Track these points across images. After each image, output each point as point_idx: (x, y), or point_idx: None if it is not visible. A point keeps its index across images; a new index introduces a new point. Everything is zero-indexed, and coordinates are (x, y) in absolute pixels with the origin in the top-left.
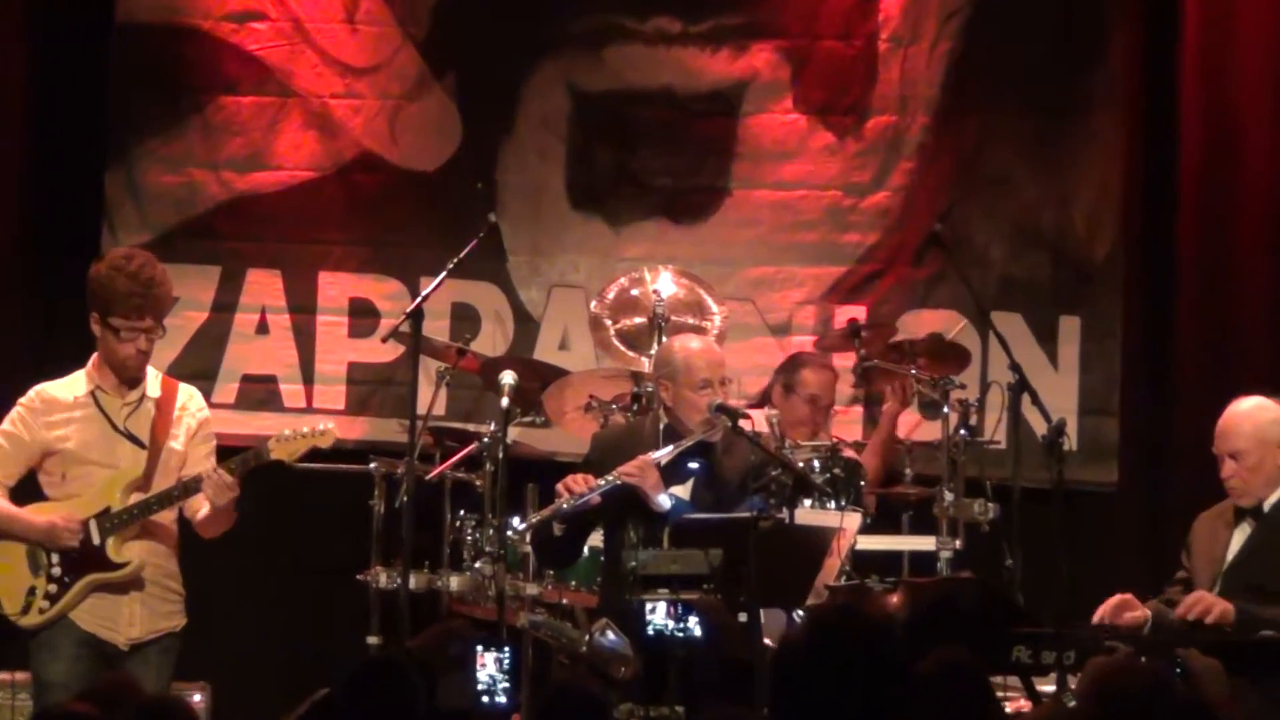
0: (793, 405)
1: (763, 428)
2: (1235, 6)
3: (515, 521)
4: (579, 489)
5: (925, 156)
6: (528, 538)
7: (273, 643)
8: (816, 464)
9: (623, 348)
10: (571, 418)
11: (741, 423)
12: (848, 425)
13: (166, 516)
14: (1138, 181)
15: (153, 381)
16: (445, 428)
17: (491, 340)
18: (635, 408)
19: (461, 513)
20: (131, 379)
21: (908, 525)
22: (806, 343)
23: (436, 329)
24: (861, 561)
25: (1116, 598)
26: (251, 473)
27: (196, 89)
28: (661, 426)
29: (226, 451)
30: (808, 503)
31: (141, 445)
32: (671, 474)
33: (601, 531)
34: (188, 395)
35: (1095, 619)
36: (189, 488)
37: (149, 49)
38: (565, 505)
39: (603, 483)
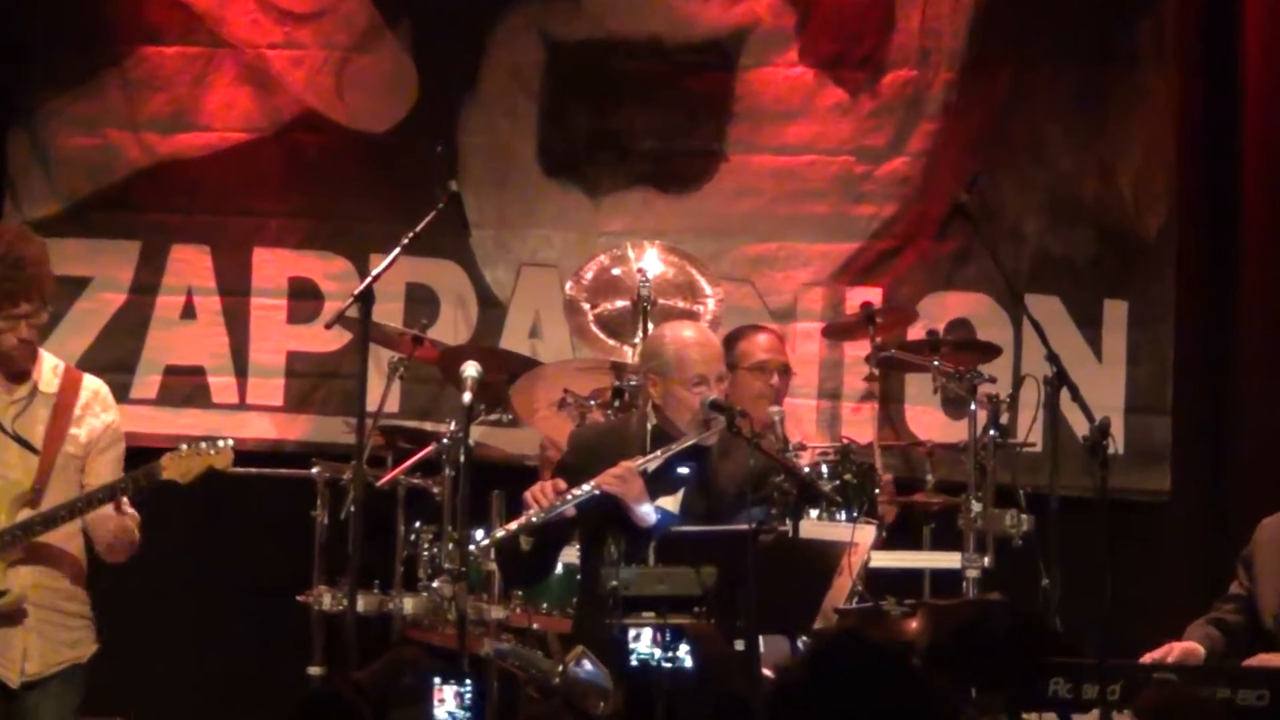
0: (742, 381)
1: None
2: None
3: (478, 535)
4: (550, 499)
5: (950, 116)
6: (491, 554)
7: (201, 672)
8: (825, 469)
9: (603, 335)
10: (543, 415)
11: (740, 423)
12: (860, 425)
13: (65, 531)
14: (1193, 145)
15: (49, 375)
16: (398, 427)
17: (452, 327)
18: (617, 404)
19: (417, 525)
20: (17, 372)
21: (929, 539)
22: (813, 329)
23: (389, 313)
24: (876, 581)
25: (1178, 648)
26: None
27: (113, 39)
28: (649, 427)
29: (146, 456)
30: (814, 513)
31: (33, 450)
32: (659, 481)
33: (577, 546)
34: (92, 392)
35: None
36: (91, 502)
37: None
38: (534, 518)
39: (578, 492)
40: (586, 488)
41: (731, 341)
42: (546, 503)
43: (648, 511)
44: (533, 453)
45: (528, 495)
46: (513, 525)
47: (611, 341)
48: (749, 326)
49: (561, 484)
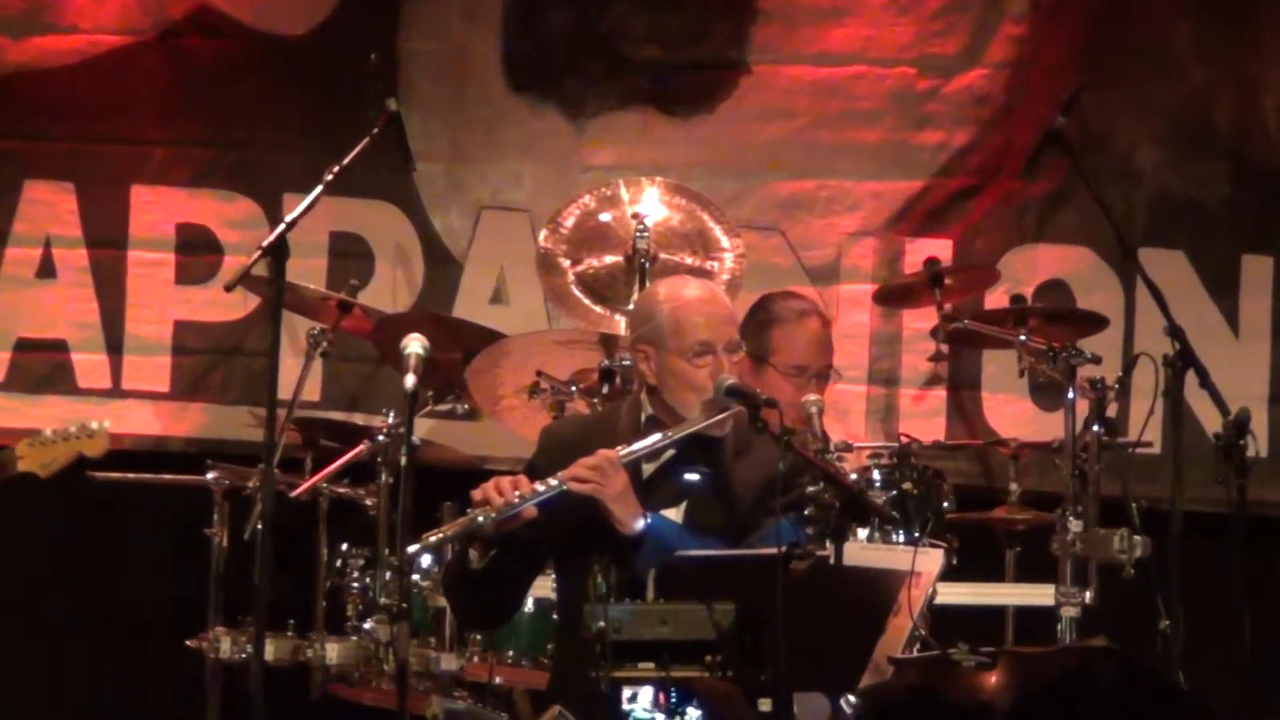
0: (771, 381)
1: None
2: None
3: (411, 550)
4: (506, 497)
5: (1041, 16)
6: (417, 566)
7: None
8: (877, 475)
9: (587, 300)
10: (510, 405)
11: (766, 414)
12: (924, 418)
13: None
14: None
15: None
16: (320, 420)
17: (390, 289)
18: (606, 390)
19: (345, 547)
20: None
21: (1013, 567)
22: (862, 293)
23: (309, 272)
24: (944, 622)
25: None
26: (27, 489)
27: None
28: (643, 417)
29: None
30: (863, 533)
31: None
32: (658, 488)
33: (553, 574)
34: None
35: None
36: None
37: None
38: (483, 519)
39: (541, 488)
40: (553, 482)
41: (765, 324)
42: (499, 503)
43: (633, 518)
44: (497, 454)
45: (476, 493)
46: (450, 530)
47: (599, 308)
48: (795, 301)
49: (523, 480)
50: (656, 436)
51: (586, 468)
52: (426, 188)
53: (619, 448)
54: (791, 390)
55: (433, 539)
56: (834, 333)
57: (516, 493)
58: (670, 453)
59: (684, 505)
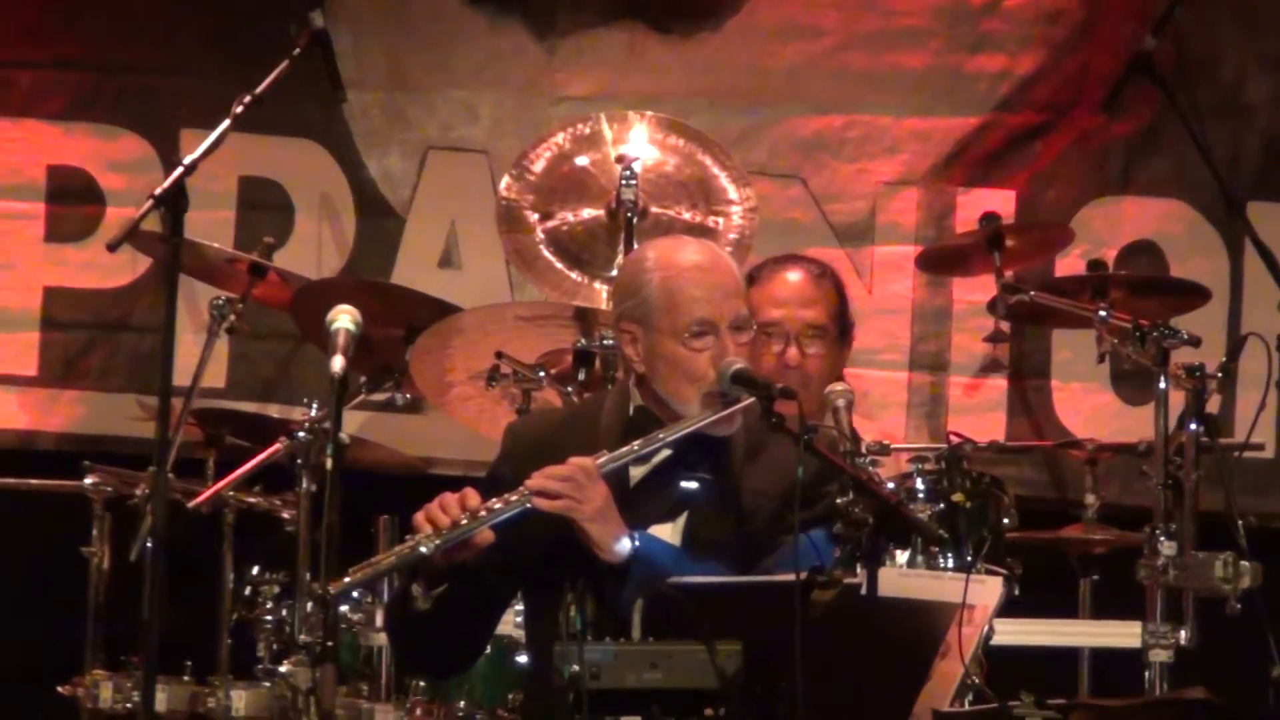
0: (757, 363)
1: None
2: None
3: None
4: (452, 517)
5: None
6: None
7: None
8: (921, 484)
9: (560, 265)
10: (463, 395)
11: (782, 407)
12: (980, 413)
13: None
14: None
15: None
16: (227, 412)
17: (314, 249)
18: (582, 377)
19: (255, 571)
20: None
21: (1089, 600)
22: (903, 255)
23: (213, 227)
24: (1004, 666)
25: None
26: None
27: None
28: (631, 410)
29: None
30: (903, 556)
31: None
32: (648, 499)
33: (521, 607)
34: None
35: None
36: None
37: None
38: (425, 547)
39: (497, 506)
40: (513, 497)
41: (748, 279)
42: (445, 524)
43: (616, 539)
44: (447, 455)
45: (419, 516)
46: (386, 560)
47: (574, 275)
48: (777, 260)
49: (474, 497)
50: (639, 442)
51: (556, 479)
52: (359, 123)
53: (599, 455)
54: (769, 362)
55: (360, 575)
56: (870, 306)
57: (466, 513)
58: (664, 455)
59: (681, 521)
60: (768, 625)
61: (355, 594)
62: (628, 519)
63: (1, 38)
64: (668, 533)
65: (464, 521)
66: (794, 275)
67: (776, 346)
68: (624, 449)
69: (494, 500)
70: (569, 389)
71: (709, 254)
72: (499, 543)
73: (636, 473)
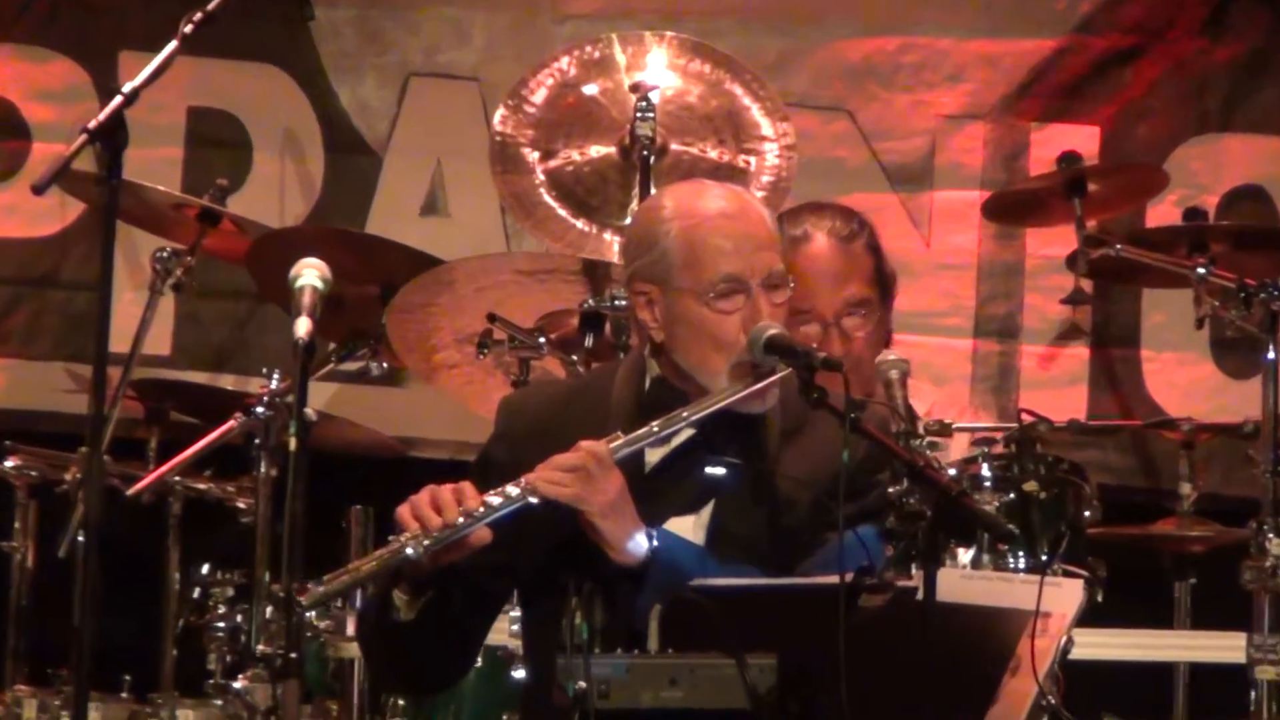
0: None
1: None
2: None
3: (305, 600)
4: (443, 518)
5: None
6: (320, 609)
7: None
8: (987, 470)
9: (563, 212)
10: (450, 363)
11: (823, 379)
12: (1055, 391)
13: None
14: None
15: None
16: (173, 383)
17: (275, 192)
18: (590, 343)
19: (206, 570)
20: None
21: (1187, 608)
22: (967, 202)
23: (158, 167)
24: (1085, 684)
25: None
26: None
27: None
28: (648, 383)
29: None
30: (966, 555)
31: None
32: (668, 489)
33: (519, 613)
34: None
35: None
36: None
37: None
38: (412, 550)
39: (494, 502)
40: (512, 492)
41: None
42: (436, 525)
43: (630, 537)
44: (431, 434)
45: (403, 511)
46: (363, 566)
47: (580, 223)
48: (792, 218)
49: (468, 490)
50: (668, 417)
51: (563, 468)
52: (329, 44)
53: (612, 437)
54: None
55: (336, 584)
56: (927, 261)
57: (460, 509)
58: (686, 437)
59: (705, 514)
60: (807, 635)
61: (313, 591)
62: (644, 512)
63: None
64: (690, 528)
65: (456, 521)
66: (819, 245)
67: (812, 331)
68: (640, 430)
69: (491, 494)
70: (574, 358)
71: (737, 200)
72: (496, 541)
73: (654, 457)
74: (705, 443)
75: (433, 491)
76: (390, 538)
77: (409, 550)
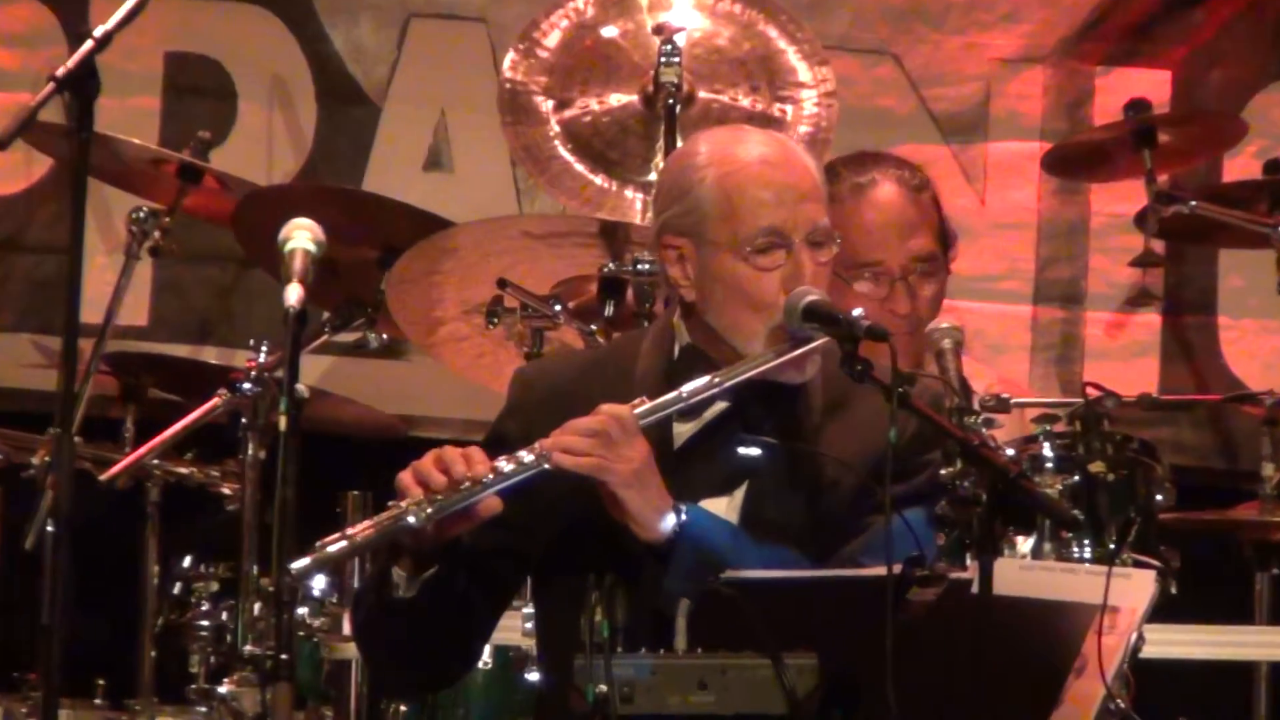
0: (840, 303)
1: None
2: None
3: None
4: (447, 483)
5: None
6: (305, 595)
7: None
8: (1049, 450)
9: (581, 166)
10: (456, 335)
11: (868, 348)
12: (1123, 363)
13: None
14: None
15: None
16: (151, 357)
17: (263, 146)
18: (611, 311)
19: (187, 563)
20: None
21: (1267, 600)
22: (1025, 155)
23: (132, 118)
24: (1158, 684)
25: None
26: None
27: None
28: (677, 350)
29: None
30: (1025, 544)
31: None
32: (699, 465)
33: (530, 605)
34: None
35: None
36: None
37: None
38: (414, 517)
39: (508, 467)
40: (526, 458)
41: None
42: (442, 486)
43: (658, 513)
44: (435, 412)
45: (405, 476)
46: (359, 533)
47: (599, 179)
48: (851, 167)
49: (477, 455)
50: (698, 383)
51: (583, 433)
52: None
53: (637, 401)
54: (873, 311)
55: (332, 549)
56: (982, 220)
57: (468, 474)
58: (719, 409)
59: (739, 495)
60: (851, 632)
61: (317, 593)
62: (673, 490)
63: None
64: (722, 511)
65: (464, 485)
66: (887, 192)
67: (876, 291)
68: (668, 396)
69: (502, 460)
70: (593, 328)
71: (778, 146)
72: (506, 516)
73: (683, 430)
74: (739, 418)
75: (438, 454)
76: (390, 504)
77: (410, 517)
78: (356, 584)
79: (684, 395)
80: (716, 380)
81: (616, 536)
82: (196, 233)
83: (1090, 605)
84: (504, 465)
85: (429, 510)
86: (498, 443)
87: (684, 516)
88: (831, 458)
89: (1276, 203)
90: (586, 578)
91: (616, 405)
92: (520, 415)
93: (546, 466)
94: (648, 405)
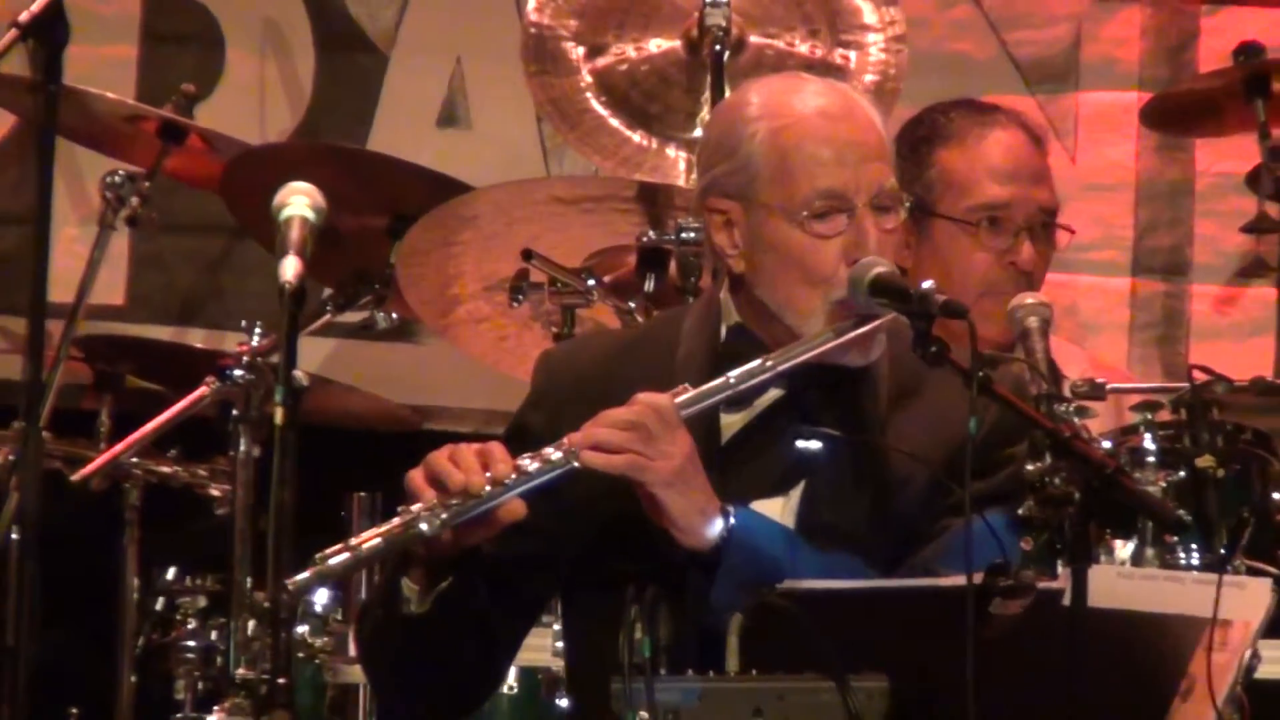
0: (945, 243)
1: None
2: None
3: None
4: (469, 485)
5: None
6: (306, 611)
7: None
8: (1150, 442)
9: (616, 122)
10: (475, 315)
11: (942, 329)
12: (1234, 343)
13: None
14: None
15: None
16: (128, 341)
17: (255, 100)
18: (650, 286)
19: (171, 575)
20: None
21: None
22: (1121, 105)
23: (107, 69)
24: (1275, 708)
25: None
26: None
27: None
28: (724, 330)
29: None
30: (1124, 549)
31: None
32: (750, 461)
33: (560, 621)
34: None
35: None
36: None
37: None
38: (427, 524)
39: (533, 466)
40: (552, 455)
41: (921, 147)
42: (458, 488)
43: (704, 517)
44: (452, 402)
45: (415, 477)
46: (366, 542)
47: (637, 136)
48: (977, 109)
49: (498, 452)
50: (748, 367)
51: (617, 426)
52: None
53: (679, 390)
54: (988, 263)
55: (334, 561)
56: (1073, 181)
57: (487, 474)
58: (773, 398)
59: (796, 495)
60: (925, 651)
61: (318, 609)
62: (720, 490)
63: None
64: (777, 513)
65: (483, 487)
66: (1013, 135)
67: (997, 241)
68: (715, 382)
69: (525, 458)
70: (631, 305)
71: (840, 97)
72: (530, 522)
73: (731, 422)
74: (795, 407)
75: (454, 451)
76: (400, 509)
77: (423, 525)
78: (363, 597)
79: (732, 381)
80: (769, 364)
81: (657, 542)
82: (180, 199)
83: (1198, 619)
84: (528, 464)
85: (443, 516)
86: (521, 437)
87: (733, 520)
88: (901, 452)
89: None
90: (624, 590)
91: (655, 394)
92: (546, 406)
93: (575, 465)
94: (690, 394)
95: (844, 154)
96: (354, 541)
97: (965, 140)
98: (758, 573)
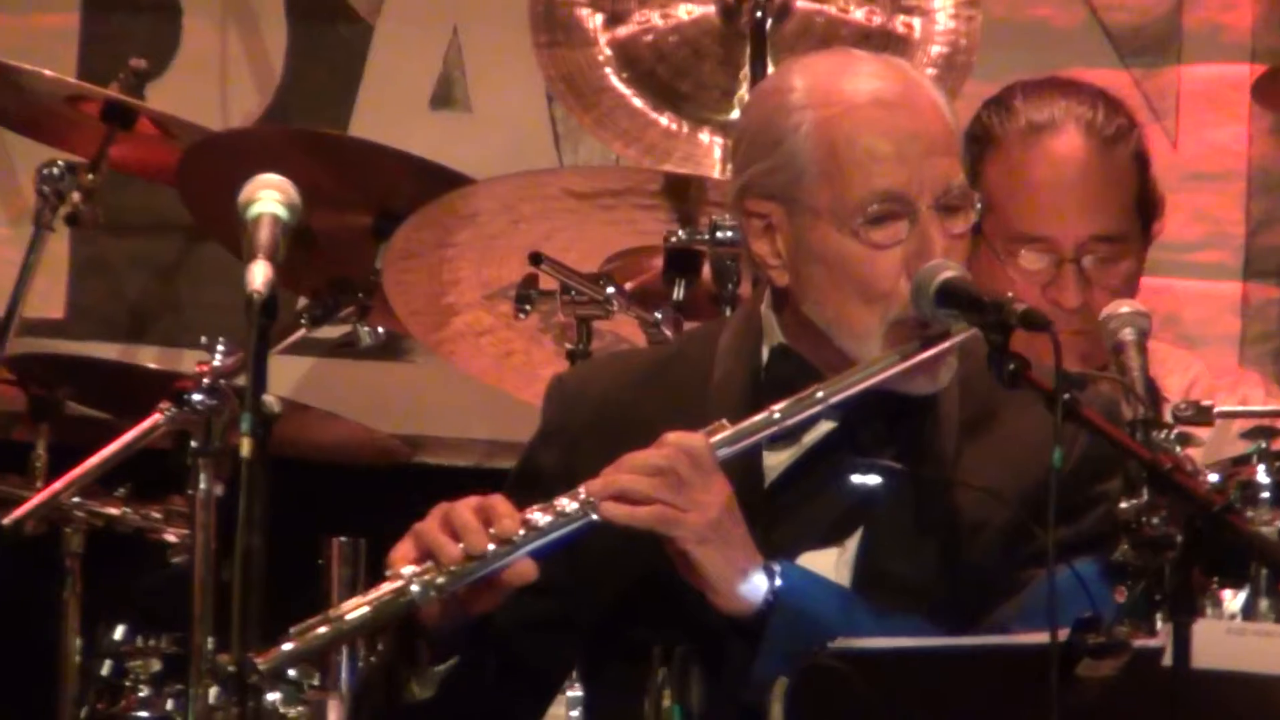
0: (990, 269)
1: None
2: None
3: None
4: (469, 547)
5: None
6: (281, 679)
7: None
8: (1265, 475)
9: (639, 102)
10: (472, 324)
11: (1022, 346)
12: None
13: None
14: None
15: None
16: (68, 359)
17: (216, 78)
18: (679, 295)
19: (119, 634)
20: None
21: None
22: (1228, 80)
23: (42, 42)
24: None
25: None
26: None
27: None
28: (766, 352)
29: None
30: (1235, 600)
31: None
32: (799, 506)
33: (579, 688)
34: None
35: None
36: None
37: None
38: (420, 590)
39: (544, 520)
40: (567, 507)
41: (975, 142)
42: (455, 557)
43: (743, 576)
44: (448, 432)
45: (400, 550)
46: (348, 613)
47: (665, 119)
48: (1028, 101)
49: (501, 507)
50: (796, 398)
51: (642, 472)
52: None
53: (715, 427)
54: (1032, 297)
55: (307, 640)
56: (1174, 169)
57: (491, 531)
58: (824, 430)
59: (853, 545)
60: (1004, 716)
61: (292, 673)
62: (764, 542)
63: None
64: (831, 565)
65: (485, 549)
66: (1070, 143)
67: (1039, 273)
68: (757, 418)
69: (535, 510)
70: (657, 317)
71: (898, 80)
72: (544, 580)
73: (777, 461)
74: (851, 440)
75: (447, 512)
76: (388, 573)
77: (414, 589)
78: (344, 659)
79: (777, 415)
80: (820, 394)
81: (690, 607)
82: (129, 194)
83: None
84: (539, 517)
85: (440, 581)
86: (530, 480)
87: (778, 580)
88: (975, 490)
89: None
90: (650, 651)
91: (687, 434)
92: (559, 442)
93: (594, 518)
94: (729, 432)
95: (904, 148)
96: (335, 612)
97: (1010, 153)
98: (807, 642)
